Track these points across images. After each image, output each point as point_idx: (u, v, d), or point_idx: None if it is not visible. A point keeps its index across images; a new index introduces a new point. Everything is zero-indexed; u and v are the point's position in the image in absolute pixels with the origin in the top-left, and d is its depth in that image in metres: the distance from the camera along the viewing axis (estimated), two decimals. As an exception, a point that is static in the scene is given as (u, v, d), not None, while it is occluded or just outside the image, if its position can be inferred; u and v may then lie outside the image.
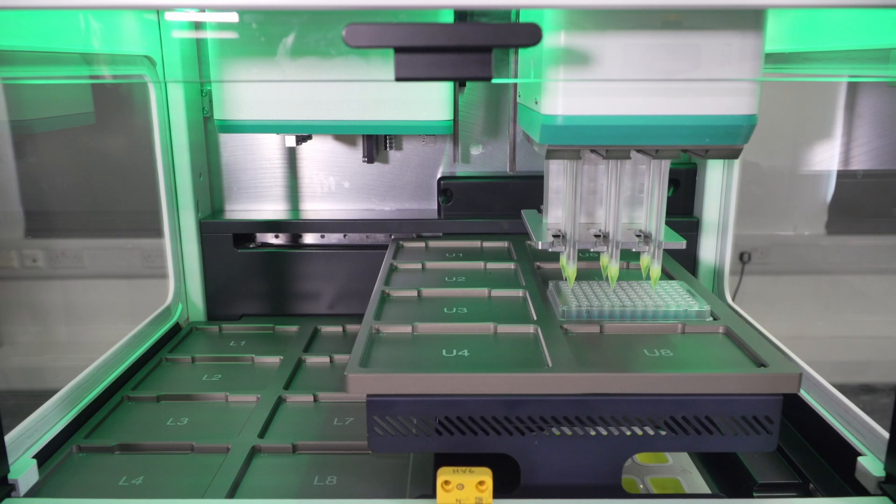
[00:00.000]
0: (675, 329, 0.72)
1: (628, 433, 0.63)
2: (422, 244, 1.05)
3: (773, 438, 0.62)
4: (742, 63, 0.60)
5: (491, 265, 0.94)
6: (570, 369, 0.62)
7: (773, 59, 0.89)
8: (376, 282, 0.87)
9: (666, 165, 0.71)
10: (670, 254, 1.09)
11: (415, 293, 0.83)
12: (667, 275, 0.89)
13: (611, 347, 0.68)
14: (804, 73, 0.91)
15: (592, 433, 0.63)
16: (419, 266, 0.94)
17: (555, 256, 0.95)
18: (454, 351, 0.68)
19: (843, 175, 1.53)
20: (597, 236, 0.74)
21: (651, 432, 0.63)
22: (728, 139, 0.63)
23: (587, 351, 0.67)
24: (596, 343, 0.69)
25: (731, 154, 0.65)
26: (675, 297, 0.76)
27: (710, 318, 0.74)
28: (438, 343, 0.70)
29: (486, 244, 1.04)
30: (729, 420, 0.62)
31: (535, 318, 0.75)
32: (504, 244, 1.04)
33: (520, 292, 0.83)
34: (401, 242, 1.06)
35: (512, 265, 0.93)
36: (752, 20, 0.59)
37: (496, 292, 0.83)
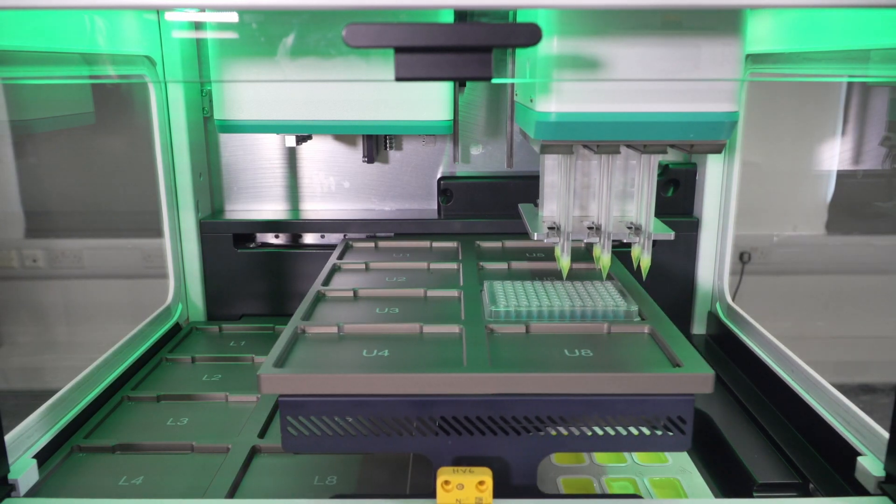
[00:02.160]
0: (601, 329, 0.72)
1: (542, 433, 0.63)
2: (371, 244, 1.05)
3: (686, 438, 0.62)
4: (724, 65, 0.62)
5: (434, 265, 0.94)
6: (482, 370, 0.62)
7: (773, 59, 0.90)
8: (315, 281, 0.87)
9: (655, 161, 0.73)
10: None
11: (351, 293, 0.83)
12: (608, 275, 0.88)
13: (532, 347, 0.68)
14: (804, 73, 0.91)
15: (506, 433, 0.63)
16: (363, 266, 0.94)
17: (499, 257, 0.97)
18: (374, 351, 0.67)
19: (843, 175, 1.53)
20: (590, 228, 0.77)
21: (565, 432, 0.63)
22: (711, 134, 0.65)
23: (508, 351, 0.67)
24: (517, 343, 0.69)
25: (715, 149, 0.68)
26: (604, 297, 0.76)
27: (638, 319, 0.74)
28: (361, 343, 0.69)
29: (436, 244, 1.04)
30: (642, 420, 0.62)
31: (462, 318, 0.75)
32: (453, 244, 1.04)
33: (455, 292, 0.83)
34: (350, 242, 1.06)
35: (455, 265, 0.93)
36: (733, 25, 0.62)
37: (431, 292, 0.83)
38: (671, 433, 0.62)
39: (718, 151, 0.69)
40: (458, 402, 0.62)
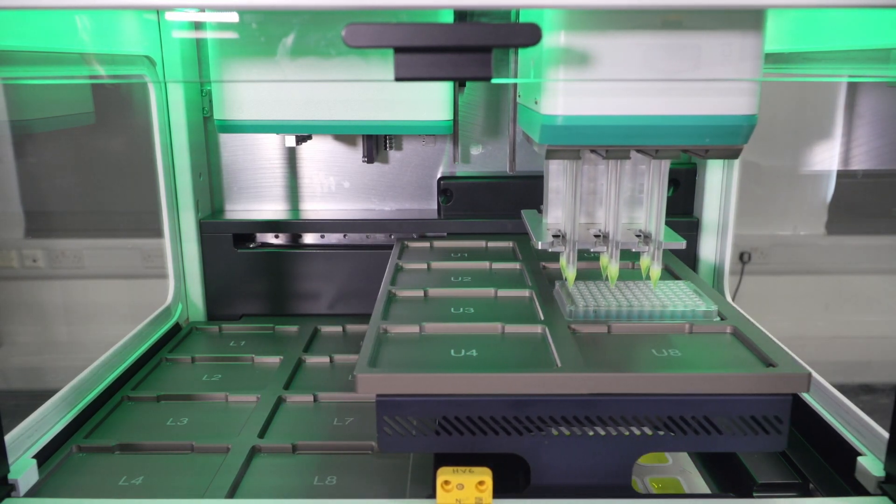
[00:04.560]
0: (683, 329, 0.72)
1: (637, 433, 0.63)
2: (426, 244, 1.05)
3: (782, 438, 0.62)
4: (742, 63, 0.60)
5: (496, 265, 0.94)
6: (579, 369, 0.62)
7: (773, 59, 0.90)
8: (382, 282, 0.87)
9: (666, 165, 0.71)
10: (673, 254, 1.08)
11: (421, 293, 0.83)
12: (672, 275, 0.89)
13: (619, 347, 0.68)
14: (804, 73, 0.91)
15: (602, 433, 0.63)
16: (424, 266, 0.94)
17: (557, 257, 0.95)
18: (462, 351, 0.68)
19: (842, 175, 1.53)
20: (597, 236, 0.74)
21: (661, 432, 0.63)
22: (728, 139, 0.63)
23: (595, 351, 0.67)
24: (604, 343, 0.69)
25: (732, 154, 0.65)
26: (681, 297, 0.76)
27: (718, 318, 0.74)
28: (446, 343, 0.70)
29: (491, 244, 1.04)
30: (738, 420, 0.62)
31: (542, 318, 0.75)
32: (508, 244, 1.04)
33: (526, 292, 0.83)
34: (405, 243, 1.06)
35: (517, 265, 0.93)
36: (752, 20, 0.59)
37: (502, 292, 0.83)
38: (768, 433, 0.62)
39: (735, 157, 0.66)
40: (556, 401, 0.62)
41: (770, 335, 0.68)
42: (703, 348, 0.68)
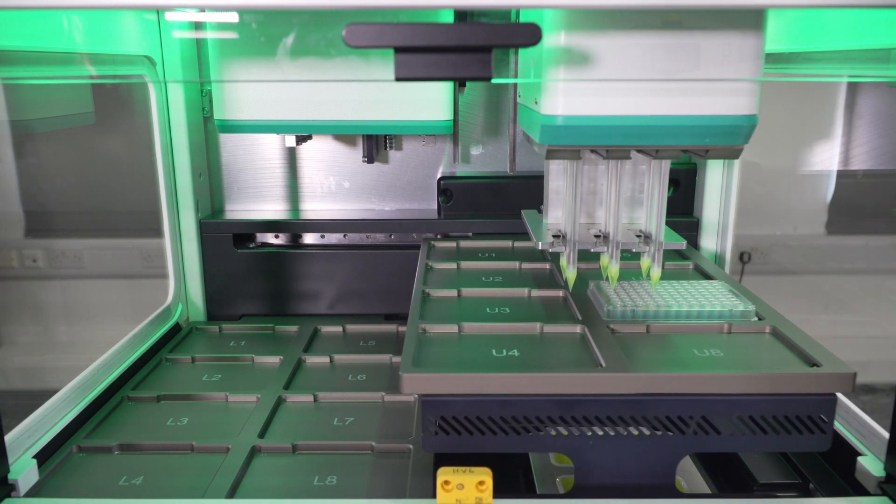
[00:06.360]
0: (721, 329, 0.72)
1: (683, 434, 0.63)
2: (453, 244, 1.06)
3: (826, 438, 0.62)
4: (742, 63, 0.60)
5: (525, 265, 0.94)
6: (625, 369, 0.62)
7: (773, 59, 0.89)
8: (415, 282, 0.87)
9: (666, 165, 0.71)
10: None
11: (454, 293, 0.84)
12: (703, 274, 0.89)
13: (660, 347, 0.68)
14: (804, 73, 0.91)
15: (647, 433, 0.63)
16: (454, 266, 0.94)
17: (592, 256, 0.95)
18: (504, 351, 0.68)
19: (842, 175, 1.53)
20: (597, 237, 0.74)
21: (707, 432, 0.63)
22: (728, 139, 0.63)
23: (637, 351, 0.67)
24: (644, 343, 0.69)
25: (732, 154, 0.66)
26: (718, 297, 0.76)
27: (755, 318, 0.74)
28: (486, 343, 0.70)
29: (518, 244, 1.04)
30: (783, 420, 0.62)
31: (579, 317, 0.75)
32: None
33: (559, 292, 0.83)
34: (432, 243, 1.06)
35: (547, 265, 0.94)
36: (753, 20, 0.59)
37: (536, 292, 0.83)
38: (812, 432, 0.62)
39: (735, 157, 0.66)
40: (602, 401, 0.62)
41: (809, 335, 0.68)
42: (745, 348, 0.68)
